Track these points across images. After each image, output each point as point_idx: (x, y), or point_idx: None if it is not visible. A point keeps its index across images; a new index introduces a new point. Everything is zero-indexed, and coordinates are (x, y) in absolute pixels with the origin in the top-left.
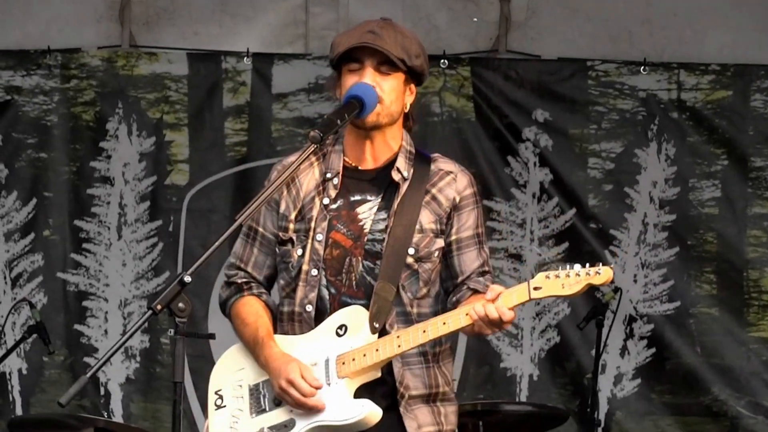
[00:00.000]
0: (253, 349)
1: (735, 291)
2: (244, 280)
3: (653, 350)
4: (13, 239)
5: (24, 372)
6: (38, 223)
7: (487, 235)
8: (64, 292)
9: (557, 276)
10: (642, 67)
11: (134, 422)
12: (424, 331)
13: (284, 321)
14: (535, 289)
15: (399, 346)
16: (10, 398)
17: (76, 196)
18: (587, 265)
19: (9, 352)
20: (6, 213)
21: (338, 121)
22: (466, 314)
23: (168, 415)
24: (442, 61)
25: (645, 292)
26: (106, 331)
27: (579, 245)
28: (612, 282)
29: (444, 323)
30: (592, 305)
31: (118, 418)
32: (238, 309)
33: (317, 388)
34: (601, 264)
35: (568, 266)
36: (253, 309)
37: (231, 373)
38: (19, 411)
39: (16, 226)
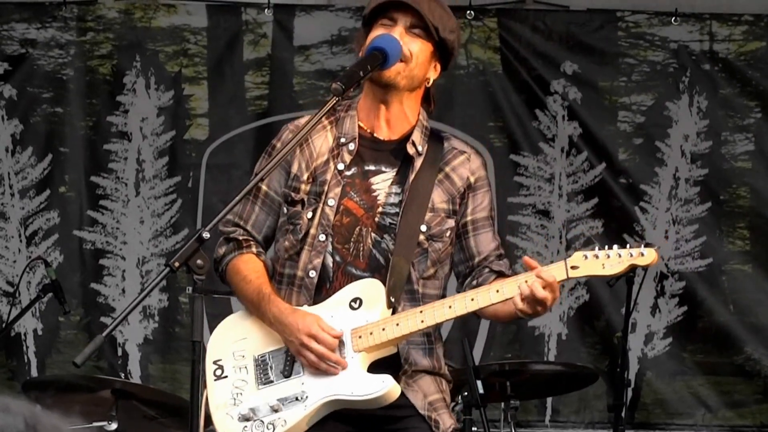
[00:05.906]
0: (258, 304)
1: None
2: (244, 237)
3: (685, 308)
4: (28, 196)
5: (39, 332)
6: (54, 179)
7: (514, 189)
8: (80, 250)
9: (596, 256)
10: (673, 18)
11: (152, 383)
12: (450, 307)
13: (283, 284)
14: (573, 268)
15: (422, 321)
16: (25, 359)
17: (92, 151)
18: (628, 245)
19: (24, 311)
20: (21, 169)
21: (360, 73)
22: (497, 291)
23: (187, 377)
24: (469, 12)
25: (676, 249)
26: (123, 290)
27: (609, 201)
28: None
29: (472, 299)
30: None
31: (136, 379)
32: (239, 265)
33: (337, 337)
34: (644, 245)
35: (606, 247)
36: (254, 267)
37: (231, 342)
38: (34, 372)
39: (32, 182)
